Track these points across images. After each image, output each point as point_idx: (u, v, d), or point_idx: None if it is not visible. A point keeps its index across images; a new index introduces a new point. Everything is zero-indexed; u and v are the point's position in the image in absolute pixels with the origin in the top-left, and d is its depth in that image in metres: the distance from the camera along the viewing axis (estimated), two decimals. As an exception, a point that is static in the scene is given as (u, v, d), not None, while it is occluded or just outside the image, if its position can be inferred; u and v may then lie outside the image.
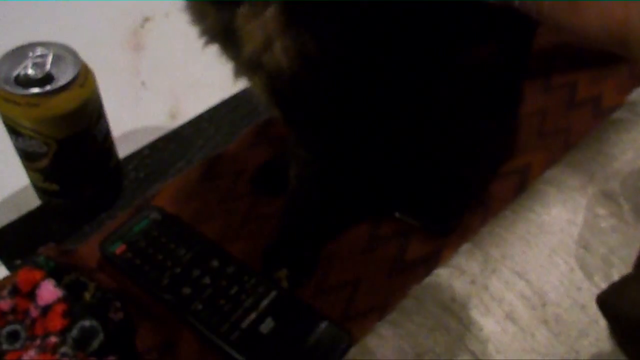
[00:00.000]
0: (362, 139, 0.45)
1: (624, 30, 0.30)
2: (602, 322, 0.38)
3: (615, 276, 0.40)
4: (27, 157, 0.50)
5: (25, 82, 0.46)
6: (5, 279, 0.47)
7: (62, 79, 0.46)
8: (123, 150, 0.59)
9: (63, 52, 0.48)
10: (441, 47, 0.41)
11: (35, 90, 0.45)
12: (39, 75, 0.46)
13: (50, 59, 0.47)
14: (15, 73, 0.46)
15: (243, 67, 0.40)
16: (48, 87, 0.46)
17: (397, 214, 0.54)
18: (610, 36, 0.31)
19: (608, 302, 0.34)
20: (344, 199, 0.53)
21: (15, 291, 0.44)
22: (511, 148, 0.61)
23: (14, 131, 0.47)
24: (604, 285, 0.40)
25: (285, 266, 0.50)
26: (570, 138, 0.63)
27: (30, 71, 0.46)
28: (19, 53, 0.47)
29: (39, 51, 0.47)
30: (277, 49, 0.37)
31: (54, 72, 0.47)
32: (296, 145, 0.46)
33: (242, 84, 0.68)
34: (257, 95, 0.42)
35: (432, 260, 0.51)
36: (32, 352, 0.42)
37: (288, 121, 0.44)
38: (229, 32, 0.38)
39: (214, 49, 0.44)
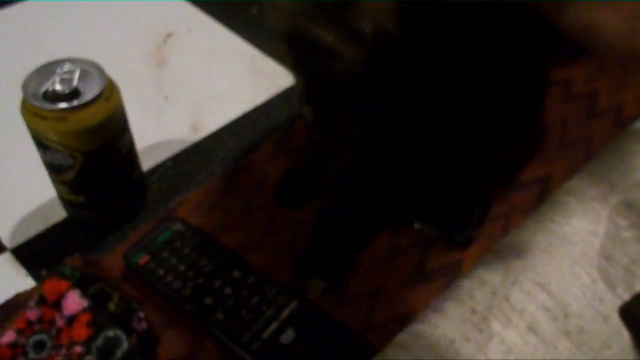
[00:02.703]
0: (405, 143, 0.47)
1: None
2: (625, 334, 0.38)
3: (638, 287, 0.40)
4: (54, 170, 0.51)
5: (53, 97, 0.47)
6: (32, 289, 0.48)
7: (89, 93, 0.47)
8: (147, 162, 0.60)
9: (89, 68, 0.49)
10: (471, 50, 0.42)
11: (63, 105, 0.47)
12: (67, 91, 0.47)
13: (77, 74, 0.48)
14: (43, 89, 0.48)
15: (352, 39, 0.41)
16: (75, 102, 0.47)
17: (416, 225, 0.54)
18: None
19: (630, 313, 0.34)
20: (375, 202, 0.53)
21: (41, 301, 0.45)
22: (531, 157, 0.60)
23: (41, 145, 0.49)
24: (626, 297, 0.39)
25: (317, 275, 0.50)
26: (591, 148, 0.62)
27: (58, 87, 0.48)
28: (47, 69, 0.49)
29: (66, 67, 0.49)
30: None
31: (80, 87, 0.48)
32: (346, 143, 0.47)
33: (262, 97, 0.69)
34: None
35: (453, 271, 0.51)
36: (58, 361, 0.42)
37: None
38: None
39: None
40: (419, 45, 0.39)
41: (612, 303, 0.39)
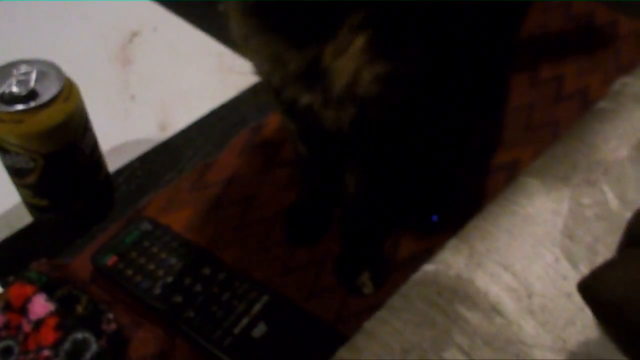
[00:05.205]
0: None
1: None
2: (589, 310, 0.38)
3: (601, 264, 0.40)
4: (16, 174, 0.50)
5: (10, 99, 0.47)
6: (-1, 296, 0.47)
7: (46, 94, 0.47)
8: (114, 163, 0.59)
9: (47, 69, 0.49)
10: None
11: (20, 107, 0.46)
12: (24, 93, 0.47)
13: (34, 76, 0.48)
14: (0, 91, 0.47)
15: (332, 102, 0.40)
16: (32, 104, 0.46)
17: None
18: None
19: (589, 288, 0.34)
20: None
21: (7, 307, 0.45)
22: (498, 143, 0.61)
23: (0, 148, 0.48)
24: (589, 274, 0.40)
25: (365, 270, 0.50)
26: (558, 131, 0.63)
27: (14, 89, 0.47)
28: (4, 71, 0.48)
29: (23, 69, 0.48)
30: (366, 77, 0.38)
31: (38, 88, 0.47)
32: (362, 162, 0.47)
33: (231, 93, 0.69)
34: (328, 124, 0.43)
35: (423, 259, 0.51)
36: (24, 366, 0.42)
37: (361, 143, 0.45)
38: (315, 72, 0.38)
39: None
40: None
41: (576, 281, 0.39)
